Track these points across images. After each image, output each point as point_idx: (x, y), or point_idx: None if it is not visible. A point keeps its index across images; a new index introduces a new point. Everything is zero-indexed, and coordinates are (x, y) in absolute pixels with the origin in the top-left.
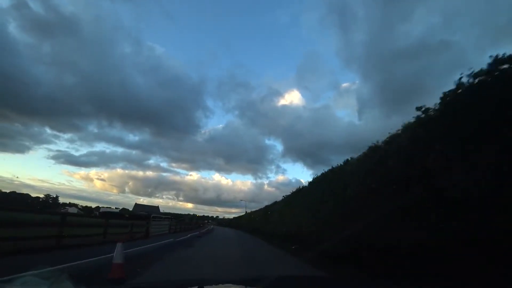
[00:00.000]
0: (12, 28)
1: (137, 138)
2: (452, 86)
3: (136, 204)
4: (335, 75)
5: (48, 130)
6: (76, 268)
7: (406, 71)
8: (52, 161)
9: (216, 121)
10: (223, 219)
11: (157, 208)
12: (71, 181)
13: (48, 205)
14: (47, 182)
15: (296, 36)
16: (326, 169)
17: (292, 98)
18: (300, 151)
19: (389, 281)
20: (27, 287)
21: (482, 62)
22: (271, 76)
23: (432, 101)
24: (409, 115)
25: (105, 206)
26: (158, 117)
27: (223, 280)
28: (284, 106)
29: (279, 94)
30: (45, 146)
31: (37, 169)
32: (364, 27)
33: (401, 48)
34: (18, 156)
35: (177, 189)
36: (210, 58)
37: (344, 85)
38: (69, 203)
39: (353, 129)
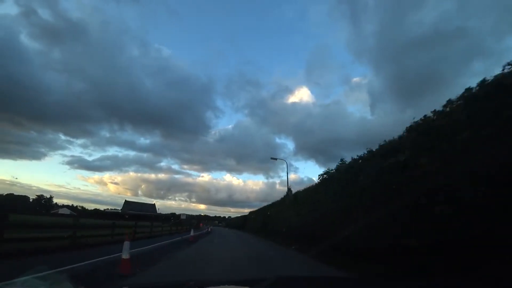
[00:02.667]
0: (23, 36)
1: (148, 141)
2: (469, 76)
3: (125, 201)
4: (345, 69)
5: (62, 136)
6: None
7: (420, 61)
8: (67, 167)
9: (226, 121)
10: (235, 218)
11: (152, 206)
12: (86, 185)
13: (41, 206)
14: (64, 187)
15: (304, 31)
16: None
17: (302, 94)
18: (312, 149)
19: (404, 279)
20: None
21: (499, 48)
22: (280, 73)
23: (450, 92)
24: (424, 108)
25: (114, 208)
26: (168, 119)
27: (224, 280)
28: (294, 103)
29: (289, 91)
30: (59, 152)
31: (53, 174)
32: (375, 17)
33: (415, 37)
34: (35, 163)
35: (190, 190)
36: (218, 57)
37: (355, 79)
38: (72, 204)
39: (365, 124)
